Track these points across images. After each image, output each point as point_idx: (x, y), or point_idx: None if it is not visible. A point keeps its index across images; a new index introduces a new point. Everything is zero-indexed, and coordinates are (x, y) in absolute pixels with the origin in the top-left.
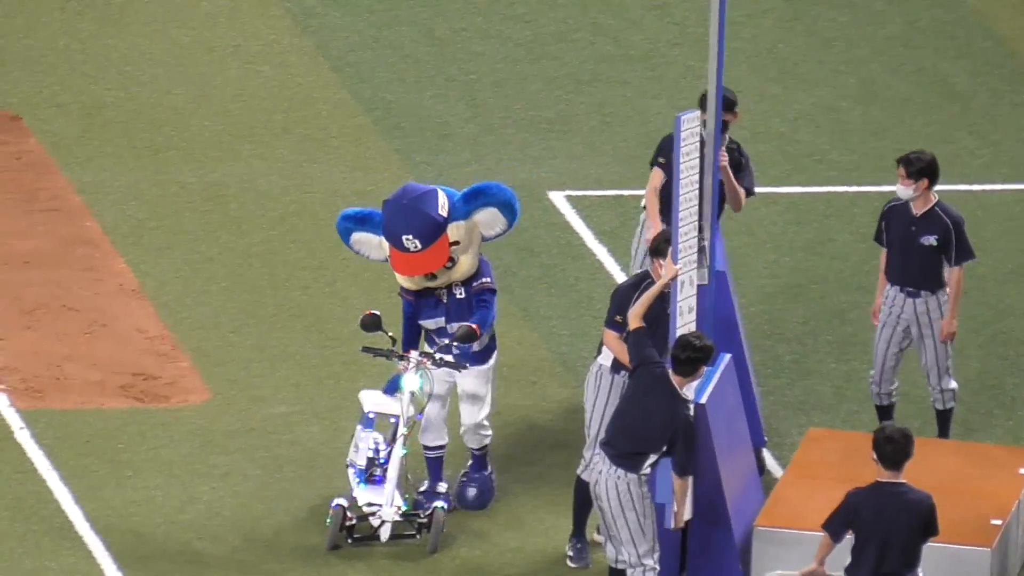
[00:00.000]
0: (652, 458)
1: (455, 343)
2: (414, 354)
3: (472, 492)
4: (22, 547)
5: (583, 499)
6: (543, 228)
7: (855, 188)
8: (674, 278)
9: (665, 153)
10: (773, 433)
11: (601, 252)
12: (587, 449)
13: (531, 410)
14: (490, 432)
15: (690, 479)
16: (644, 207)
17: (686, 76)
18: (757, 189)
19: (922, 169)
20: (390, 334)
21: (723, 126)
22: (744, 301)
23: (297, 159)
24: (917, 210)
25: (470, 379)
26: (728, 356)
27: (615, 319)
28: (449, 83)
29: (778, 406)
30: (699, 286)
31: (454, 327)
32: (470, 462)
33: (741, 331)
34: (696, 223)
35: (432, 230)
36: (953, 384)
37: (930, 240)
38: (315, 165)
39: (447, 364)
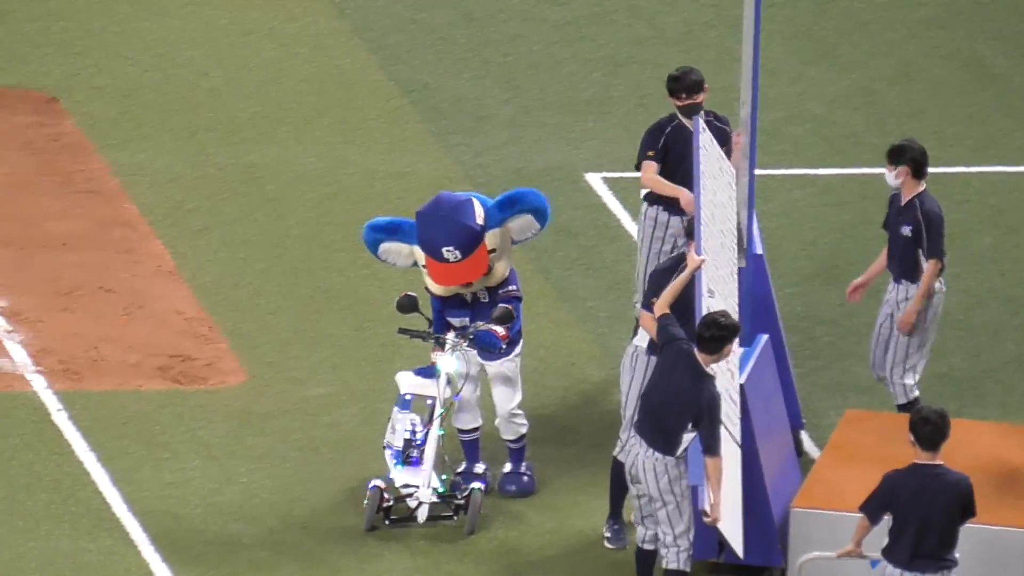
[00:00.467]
0: (685, 438)
1: (493, 323)
2: (451, 335)
3: (512, 489)
4: (59, 529)
5: (620, 481)
6: (580, 210)
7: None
8: (698, 268)
9: (649, 147)
10: (810, 415)
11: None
12: (623, 431)
13: (568, 392)
14: (525, 423)
15: (723, 461)
16: (644, 197)
17: (722, 58)
18: (793, 171)
19: (903, 158)
20: (427, 316)
21: (696, 108)
22: (781, 283)
23: (334, 141)
24: (903, 199)
25: (500, 363)
26: (765, 337)
27: (651, 301)
28: (486, 65)
29: (815, 388)
30: (737, 269)
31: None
32: (508, 462)
33: (778, 313)
34: (722, 213)
35: (471, 240)
36: (909, 380)
37: (906, 230)
38: (352, 147)
39: (483, 344)
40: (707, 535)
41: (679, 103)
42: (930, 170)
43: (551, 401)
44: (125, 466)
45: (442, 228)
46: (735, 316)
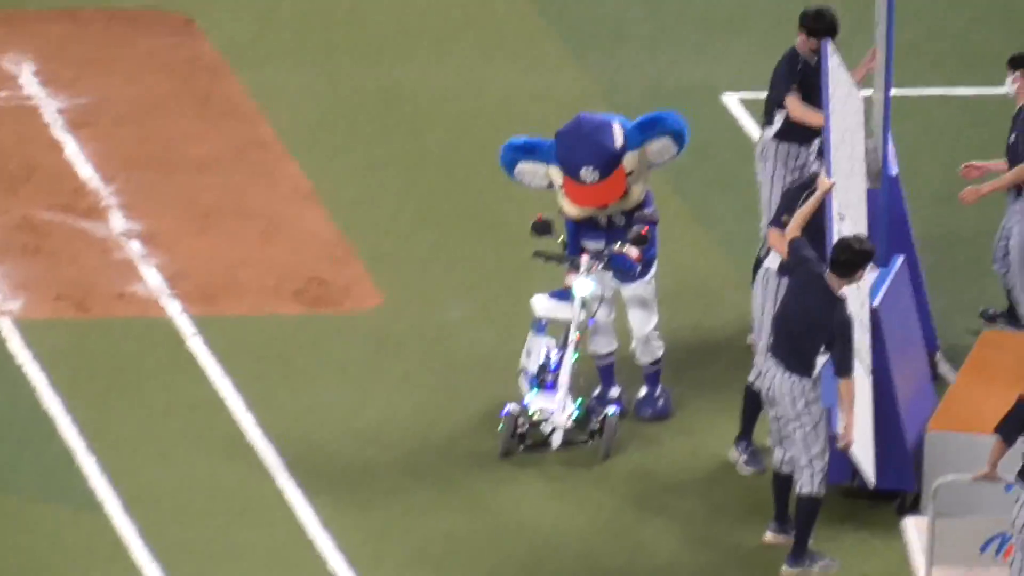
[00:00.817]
0: (819, 359)
1: (628, 245)
2: (585, 258)
3: (648, 412)
4: (195, 453)
5: (752, 405)
6: (717, 130)
7: None
8: (828, 192)
9: (790, 79)
10: (946, 336)
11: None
12: (758, 355)
13: (704, 314)
14: (661, 345)
15: (863, 381)
16: (776, 135)
17: None
18: (930, 90)
19: (1022, 63)
20: (561, 239)
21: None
22: (917, 204)
23: (472, 60)
24: (1016, 107)
25: (635, 285)
26: (901, 258)
27: (782, 218)
28: None
29: (952, 309)
30: (870, 190)
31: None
32: (643, 385)
33: (913, 234)
34: (851, 138)
35: (610, 161)
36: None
37: (1011, 138)
38: (490, 66)
39: (618, 267)
40: (842, 460)
41: (815, 48)
42: None
43: (687, 324)
44: (260, 391)
45: (582, 148)
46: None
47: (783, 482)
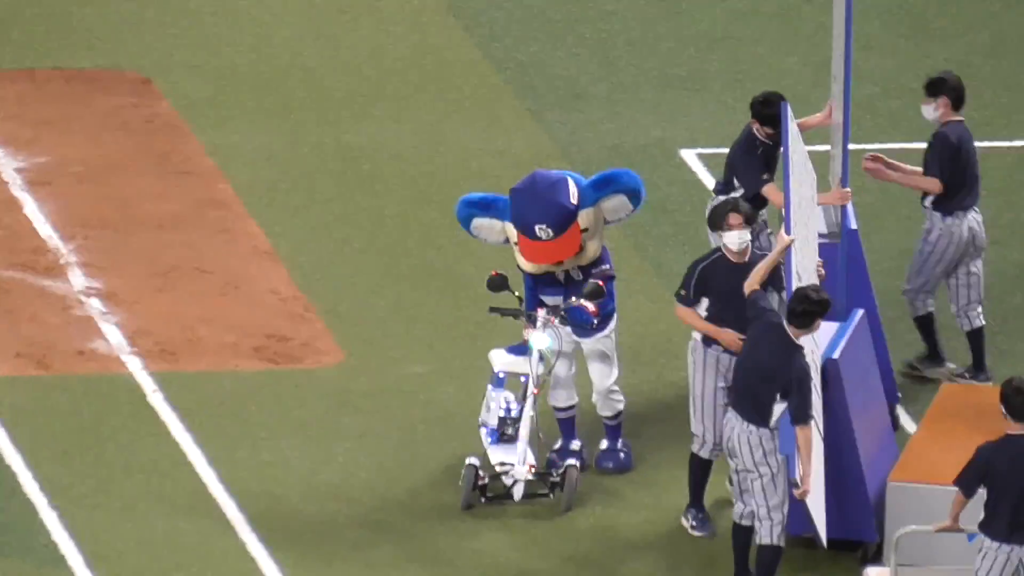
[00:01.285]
0: (777, 408)
1: (583, 300)
2: (541, 312)
3: (609, 465)
4: (156, 510)
5: (698, 474)
6: (676, 186)
7: (987, 143)
8: (787, 247)
9: (759, 170)
10: (907, 389)
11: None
12: (695, 426)
13: (664, 368)
14: (622, 399)
15: (815, 433)
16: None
17: (818, 32)
18: (888, 145)
19: (943, 89)
20: (517, 294)
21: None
22: (877, 257)
23: (430, 119)
24: None
25: (595, 339)
26: (861, 312)
27: (679, 293)
28: (582, 42)
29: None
30: (830, 244)
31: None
32: (604, 439)
33: (873, 288)
34: (808, 208)
35: (564, 219)
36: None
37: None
38: (448, 125)
39: (575, 321)
40: (803, 510)
41: (770, 131)
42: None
43: (648, 378)
44: (221, 447)
45: (536, 205)
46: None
47: (743, 535)
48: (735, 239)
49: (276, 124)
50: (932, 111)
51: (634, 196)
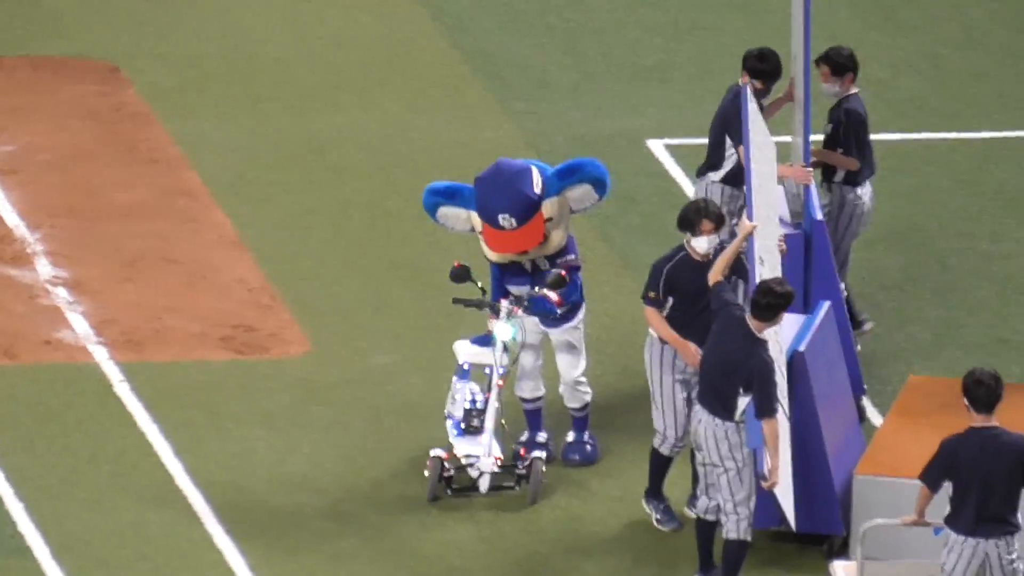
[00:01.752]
0: (740, 402)
1: (545, 289)
2: (504, 303)
3: (575, 457)
4: (122, 501)
5: (658, 470)
6: (643, 176)
7: (955, 134)
8: (750, 234)
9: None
10: (873, 381)
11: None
12: (656, 422)
13: (631, 359)
14: (589, 391)
15: (782, 426)
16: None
17: (786, 23)
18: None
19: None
20: (480, 284)
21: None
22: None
23: (397, 109)
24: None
25: (562, 330)
26: (827, 304)
27: (648, 295)
28: (549, 31)
29: (878, 354)
30: (794, 236)
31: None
32: (571, 430)
33: (838, 279)
34: (768, 185)
35: (528, 208)
36: None
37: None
38: (415, 115)
39: (538, 310)
40: (770, 504)
41: (759, 86)
42: (995, 134)
43: (614, 369)
44: (188, 437)
45: (500, 195)
46: (777, 256)
47: (707, 529)
48: (704, 244)
49: (243, 113)
50: (838, 87)
51: (599, 185)
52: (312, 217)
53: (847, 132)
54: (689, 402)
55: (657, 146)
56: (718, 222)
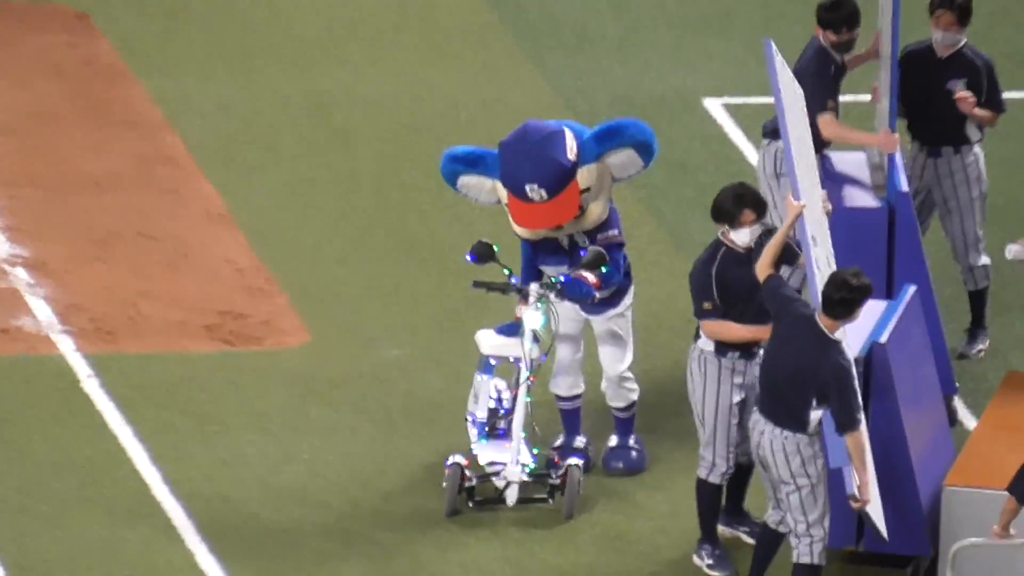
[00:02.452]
0: (813, 416)
1: (583, 270)
2: (534, 286)
3: (619, 465)
4: (92, 515)
5: (709, 503)
6: (698, 141)
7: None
8: (799, 216)
9: (825, 91)
10: (966, 379)
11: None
12: (704, 448)
13: (682, 354)
14: (636, 388)
15: (865, 435)
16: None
17: None
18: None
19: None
20: (505, 265)
21: (852, 45)
22: (932, 224)
23: (413, 64)
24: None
25: (606, 317)
26: (913, 289)
27: (704, 308)
28: None
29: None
30: (875, 210)
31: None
32: (614, 434)
33: (927, 261)
34: (806, 147)
35: (560, 178)
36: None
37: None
38: (433, 71)
39: (573, 295)
40: (843, 520)
41: (836, 39)
42: None
43: (663, 365)
44: (168, 442)
45: (526, 162)
46: (832, 261)
47: (771, 540)
48: (746, 236)
49: (234, 69)
50: (964, 37)
51: (645, 150)
52: (313, 188)
53: (990, 83)
54: (743, 415)
55: (715, 106)
56: (760, 210)
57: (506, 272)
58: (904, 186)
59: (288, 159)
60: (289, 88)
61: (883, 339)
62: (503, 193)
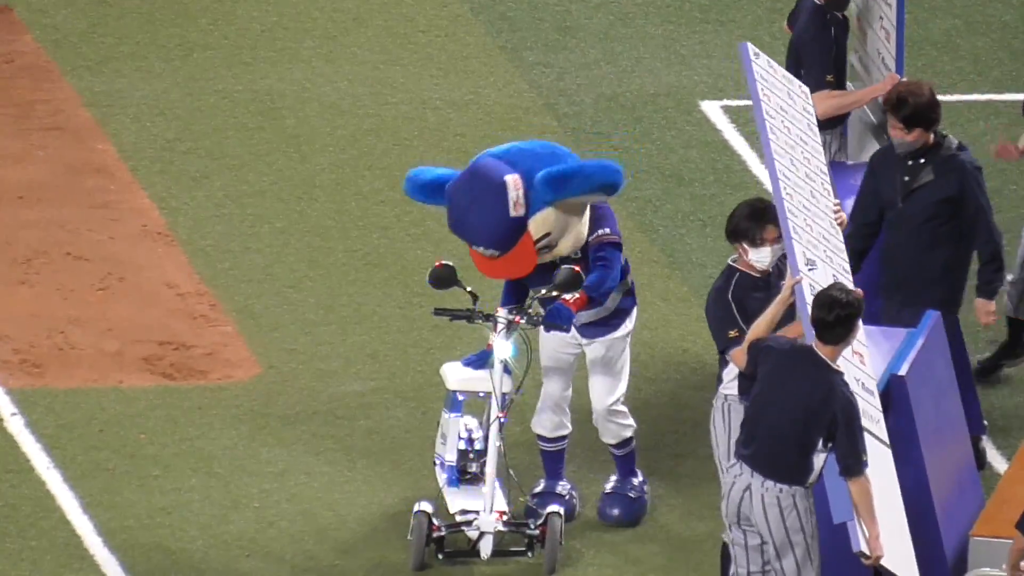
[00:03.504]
0: (817, 461)
1: (555, 292)
2: (502, 312)
3: (615, 513)
4: (16, 570)
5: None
6: (694, 148)
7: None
8: (793, 287)
9: (824, 61)
10: (996, 416)
11: (768, 178)
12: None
13: (680, 385)
14: (631, 423)
15: (870, 481)
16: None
17: None
18: (972, 96)
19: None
20: (469, 289)
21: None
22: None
23: (374, 60)
24: None
25: (603, 342)
26: (936, 315)
27: (729, 336)
28: None
29: (1002, 381)
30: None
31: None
32: (613, 475)
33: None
34: (802, 151)
35: (508, 235)
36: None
37: None
38: (397, 68)
39: (553, 320)
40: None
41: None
42: None
43: (658, 399)
44: (101, 487)
45: (470, 222)
46: (849, 276)
47: None
48: (767, 257)
49: (173, 66)
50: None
51: (605, 190)
52: (262, 201)
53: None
54: None
55: (713, 109)
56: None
57: (471, 295)
58: None
59: (234, 167)
60: (235, 87)
61: (902, 371)
62: None
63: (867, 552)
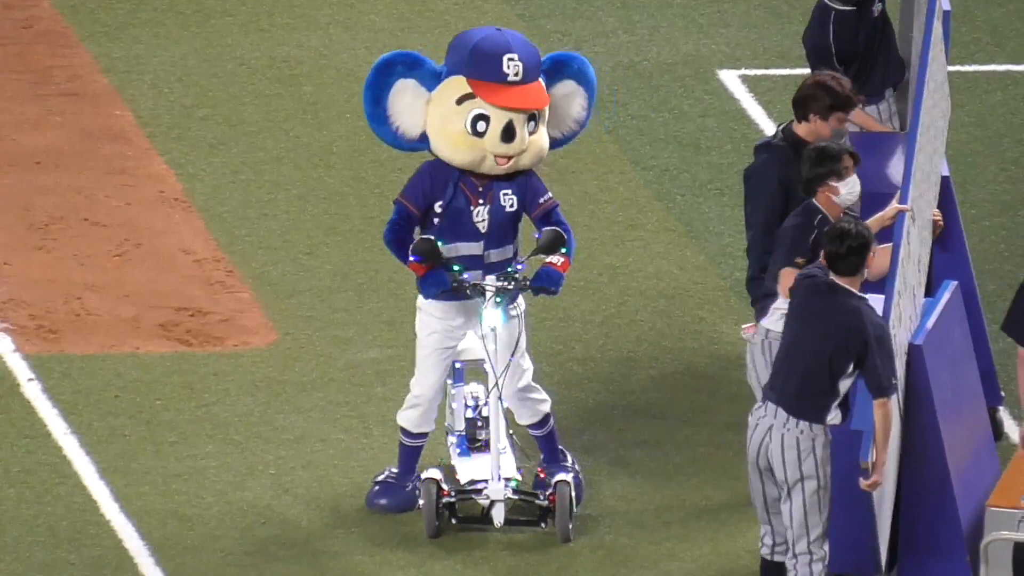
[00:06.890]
0: (843, 385)
1: (544, 255)
2: (490, 279)
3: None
4: (32, 535)
5: None
6: (712, 117)
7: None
8: (895, 217)
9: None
10: (1013, 387)
11: None
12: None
13: (698, 353)
14: (546, 397)
15: (895, 408)
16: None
17: None
18: (990, 67)
19: None
20: (455, 266)
21: None
22: (974, 213)
23: (391, 27)
24: None
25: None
26: (954, 285)
27: (796, 261)
28: None
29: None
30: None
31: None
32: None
33: (969, 253)
34: (937, 115)
35: (536, 63)
36: None
37: None
38: (415, 35)
39: (542, 285)
40: (844, 542)
41: None
42: None
43: (673, 369)
44: (118, 453)
45: (505, 37)
46: (923, 280)
47: (775, 573)
48: (857, 184)
49: (190, 32)
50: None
51: (588, 88)
52: (279, 167)
53: None
54: None
55: (731, 78)
56: (856, 158)
57: (456, 270)
58: (944, 170)
59: (251, 134)
60: (252, 54)
61: (919, 340)
62: (454, 90)
63: (869, 469)
